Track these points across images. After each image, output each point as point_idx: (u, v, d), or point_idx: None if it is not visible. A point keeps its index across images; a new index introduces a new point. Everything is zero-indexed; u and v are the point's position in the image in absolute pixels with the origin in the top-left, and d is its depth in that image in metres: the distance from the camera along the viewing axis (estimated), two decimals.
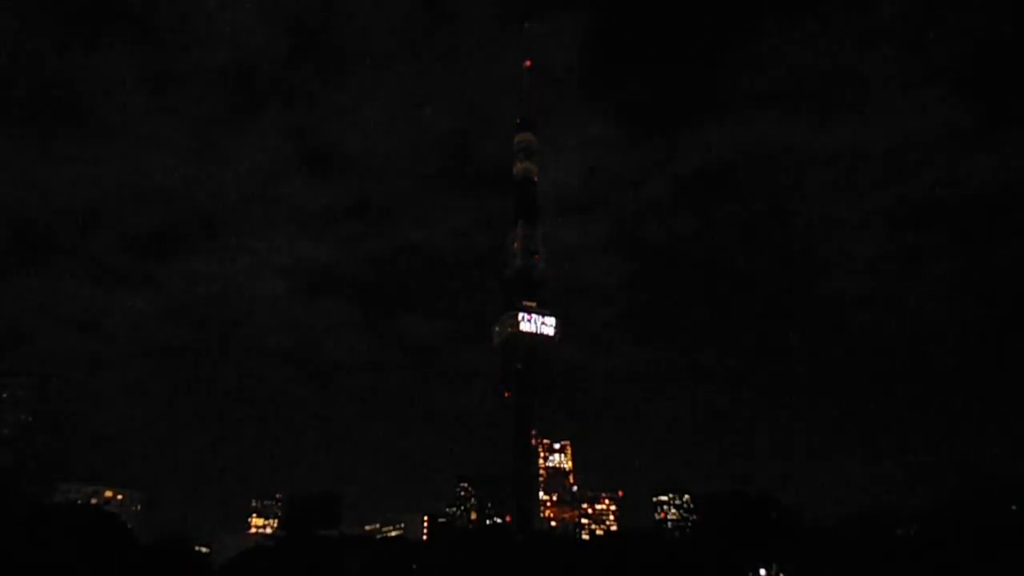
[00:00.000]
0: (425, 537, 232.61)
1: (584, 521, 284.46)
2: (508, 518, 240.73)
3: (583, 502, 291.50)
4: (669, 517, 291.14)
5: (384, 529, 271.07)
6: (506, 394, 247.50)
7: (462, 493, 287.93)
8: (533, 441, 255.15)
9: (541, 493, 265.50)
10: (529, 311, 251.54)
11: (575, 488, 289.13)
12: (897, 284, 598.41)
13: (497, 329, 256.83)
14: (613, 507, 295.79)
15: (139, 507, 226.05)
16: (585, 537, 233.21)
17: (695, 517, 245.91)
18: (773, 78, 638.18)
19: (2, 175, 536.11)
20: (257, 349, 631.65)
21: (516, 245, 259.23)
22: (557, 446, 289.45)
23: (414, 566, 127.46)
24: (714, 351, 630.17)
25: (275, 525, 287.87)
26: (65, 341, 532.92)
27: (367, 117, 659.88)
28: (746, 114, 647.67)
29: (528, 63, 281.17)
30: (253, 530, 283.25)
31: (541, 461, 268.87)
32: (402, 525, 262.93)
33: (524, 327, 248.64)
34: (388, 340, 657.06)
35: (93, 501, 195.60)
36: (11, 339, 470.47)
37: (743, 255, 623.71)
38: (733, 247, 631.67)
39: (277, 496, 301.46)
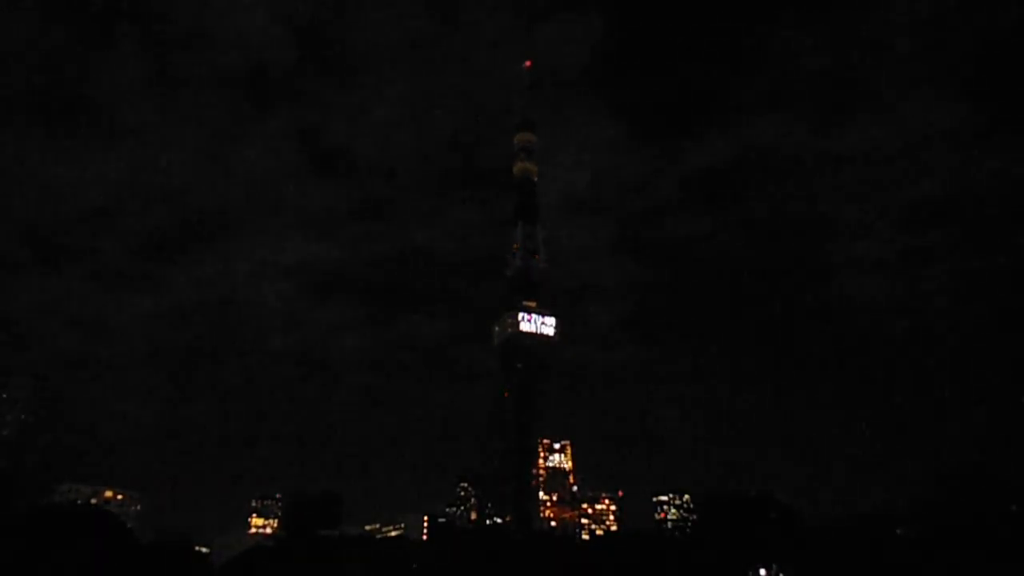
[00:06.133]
0: (425, 537, 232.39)
1: (584, 521, 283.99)
2: (508, 518, 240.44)
3: (583, 502, 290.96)
4: (669, 517, 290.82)
5: (384, 529, 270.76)
6: (506, 394, 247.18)
7: (462, 493, 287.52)
8: (533, 441, 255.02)
9: (541, 493, 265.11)
10: (529, 311, 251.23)
11: (575, 488, 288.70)
12: (904, 285, 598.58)
13: (497, 329, 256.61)
14: (613, 507, 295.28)
15: (139, 507, 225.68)
16: (585, 537, 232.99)
17: (695, 517, 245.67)
18: (780, 80, 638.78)
19: (11, 175, 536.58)
20: (261, 350, 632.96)
21: (516, 245, 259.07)
22: (557, 446, 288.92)
23: (414, 566, 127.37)
24: (716, 352, 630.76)
25: (275, 525, 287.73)
26: (71, 342, 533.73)
27: (375, 119, 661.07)
28: (753, 116, 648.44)
29: (528, 63, 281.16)
30: (253, 530, 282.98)
31: (541, 461, 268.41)
32: (402, 525, 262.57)
33: (524, 327, 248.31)
34: (392, 340, 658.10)
35: (93, 501, 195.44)
36: (16, 339, 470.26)
37: (749, 257, 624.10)
38: (739, 249, 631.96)
39: (277, 496, 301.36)
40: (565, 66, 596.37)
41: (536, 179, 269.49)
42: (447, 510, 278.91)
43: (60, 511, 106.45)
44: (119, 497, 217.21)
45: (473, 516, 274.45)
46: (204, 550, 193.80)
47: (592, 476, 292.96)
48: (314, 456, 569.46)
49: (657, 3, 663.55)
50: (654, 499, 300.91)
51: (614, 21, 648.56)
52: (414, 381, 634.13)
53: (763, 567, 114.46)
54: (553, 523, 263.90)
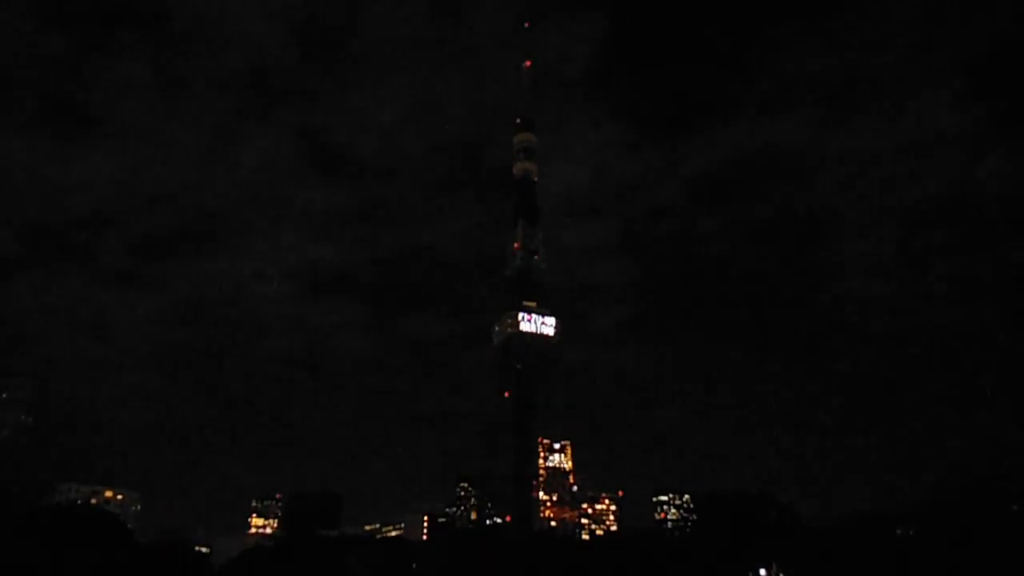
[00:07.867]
0: (425, 537, 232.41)
1: (584, 521, 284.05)
2: (508, 518, 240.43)
3: (583, 502, 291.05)
4: (669, 517, 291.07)
5: (384, 529, 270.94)
6: (506, 394, 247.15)
7: (462, 493, 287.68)
8: (533, 441, 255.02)
9: (541, 493, 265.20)
10: (529, 311, 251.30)
11: (575, 488, 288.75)
12: (906, 285, 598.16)
13: (497, 329, 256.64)
14: (613, 507, 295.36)
15: (139, 507, 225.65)
16: (585, 537, 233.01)
17: (695, 517, 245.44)
18: (783, 80, 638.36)
19: (12, 176, 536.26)
20: (263, 350, 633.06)
21: (516, 245, 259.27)
22: (557, 446, 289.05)
23: (414, 566, 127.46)
24: (717, 352, 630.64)
25: (275, 525, 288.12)
26: (72, 342, 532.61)
27: (375, 119, 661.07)
28: (756, 116, 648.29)
29: (528, 63, 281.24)
30: (253, 530, 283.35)
31: (541, 461, 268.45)
32: (402, 525, 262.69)
33: (524, 327, 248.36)
34: (394, 341, 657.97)
35: (93, 501, 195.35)
36: (17, 340, 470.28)
37: (752, 257, 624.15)
38: (742, 249, 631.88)
39: (277, 496, 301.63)
40: (565, 66, 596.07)
41: (536, 179, 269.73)
42: (447, 510, 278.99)
43: (60, 511, 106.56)
44: (119, 497, 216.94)
45: (473, 516, 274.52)
46: (204, 550, 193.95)
47: (592, 476, 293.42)
48: (314, 456, 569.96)
49: (658, 3, 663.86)
50: (654, 499, 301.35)
51: (615, 21, 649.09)
52: (414, 381, 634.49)
53: (763, 567, 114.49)
54: (553, 523, 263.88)
